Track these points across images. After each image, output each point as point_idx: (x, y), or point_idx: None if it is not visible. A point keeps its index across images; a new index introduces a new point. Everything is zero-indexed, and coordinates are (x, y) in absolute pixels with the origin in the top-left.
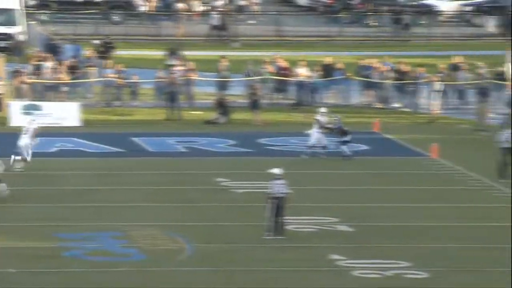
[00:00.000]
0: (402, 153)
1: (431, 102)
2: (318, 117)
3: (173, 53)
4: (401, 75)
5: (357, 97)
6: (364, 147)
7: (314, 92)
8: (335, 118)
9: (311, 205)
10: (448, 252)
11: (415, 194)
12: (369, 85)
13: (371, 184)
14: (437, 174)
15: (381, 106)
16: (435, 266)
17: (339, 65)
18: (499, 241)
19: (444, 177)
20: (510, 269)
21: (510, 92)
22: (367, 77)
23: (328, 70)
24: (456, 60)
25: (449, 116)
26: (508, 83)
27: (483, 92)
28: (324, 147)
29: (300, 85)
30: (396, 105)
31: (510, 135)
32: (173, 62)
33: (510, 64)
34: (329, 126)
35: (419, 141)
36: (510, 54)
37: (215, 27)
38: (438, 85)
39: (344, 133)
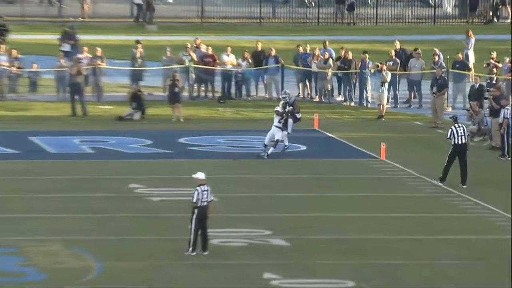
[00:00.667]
0: (346, 155)
1: (380, 95)
2: (278, 108)
3: (67, 37)
4: (344, 63)
5: (294, 89)
6: (301, 147)
7: (243, 84)
8: (283, 95)
9: (240, 215)
10: (394, 269)
11: (359, 202)
12: (307, 75)
13: (309, 190)
14: (385, 179)
15: (321, 100)
16: (380, 284)
17: (272, 52)
18: (451, 257)
19: (393, 182)
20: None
21: (472, 83)
22: (305, 66)
23: (259, 57)
24: (408, 46)
25: (400, 111)
26: (468, 72)
27: (439, 84)
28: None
29: (227, 75)
30: (339, 98)
31: (463, 130)
32: (67, 48)
33: (471, 51)
34: (288, 109)
35: (365, 140)
36: (471, 39)
37: (138, 6)
38: (387, 75)
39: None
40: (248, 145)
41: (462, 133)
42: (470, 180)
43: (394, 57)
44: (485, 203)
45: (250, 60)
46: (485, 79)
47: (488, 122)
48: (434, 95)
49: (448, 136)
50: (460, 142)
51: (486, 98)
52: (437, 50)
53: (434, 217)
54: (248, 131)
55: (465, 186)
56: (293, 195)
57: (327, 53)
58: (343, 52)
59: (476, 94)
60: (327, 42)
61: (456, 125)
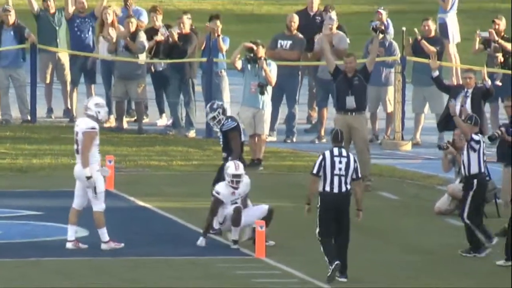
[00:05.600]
0: (175, 249)
1: (255, 114)
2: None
3: None
4: (168, 45)
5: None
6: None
7: None
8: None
9: None
10: None
11: None
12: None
13: None
14: None
15: (121, 125)
16: None
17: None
18: None
19: None
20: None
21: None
22: (78, 45)
23: None
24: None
25: (301, 150)
26: (450, 64)
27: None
28: None
29: None
30: (160, 121)
31: (347, 162)
32: None
33: (452, 15)
34: None
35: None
36: None
37: None
38: (270, 71)
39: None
40: None
41: (344, 171)
42: None
43: (294, 30)
44: None
45: None
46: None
47: (491, 175)
48: (351, 113)
49: (315, 171)
50: (336, 191)
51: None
52: (382, 12)
53: None
54: None
55: (344, 279)
56: None
57: (132, 20)
58: (156, 18)
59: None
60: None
61: (336, 151)
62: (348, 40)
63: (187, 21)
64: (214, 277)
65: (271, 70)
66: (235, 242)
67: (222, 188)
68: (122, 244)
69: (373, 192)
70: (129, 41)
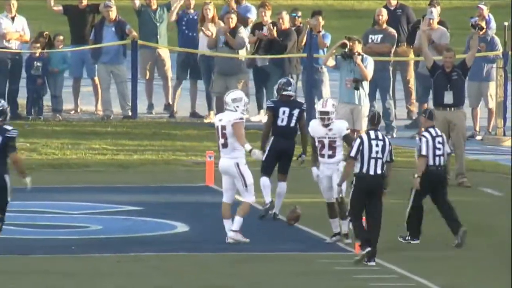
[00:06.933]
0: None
1: (353, 111)
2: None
3: None
4: (271, 41)
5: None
6: (178, 225)
7: (49, 84)
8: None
9: None
10: None
11: None
12: (191, 66)
13: None
14: None
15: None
16: None
17: (111, 14)
18: None
19: None
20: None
21: None
22: (185, 42)
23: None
24: None
25: (397, 145)
26: None
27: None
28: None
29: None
30: (256, 117)
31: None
32: None
33: None
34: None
35: (321, 212)
36: None
37: None
38: (367, 65)
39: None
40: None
41: (380, 154)
42: None
43: (384, 24)
44: None
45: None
46: None
47: None
48: (450, 108)
49: (353, 154)
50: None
51: None
52: (482, 7)
53: None
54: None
55: (373, 263)
56: None
57: (232, 16)
58: (265, 13)
59: None
60: None
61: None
62: (449, 36)
63: (286, 17)
64: (313, 273)
65: (367, 65)
66: (334, 235)
67: (313, 122)
68: (248, 240)
69: (475, 188)
70: (229, 36)
